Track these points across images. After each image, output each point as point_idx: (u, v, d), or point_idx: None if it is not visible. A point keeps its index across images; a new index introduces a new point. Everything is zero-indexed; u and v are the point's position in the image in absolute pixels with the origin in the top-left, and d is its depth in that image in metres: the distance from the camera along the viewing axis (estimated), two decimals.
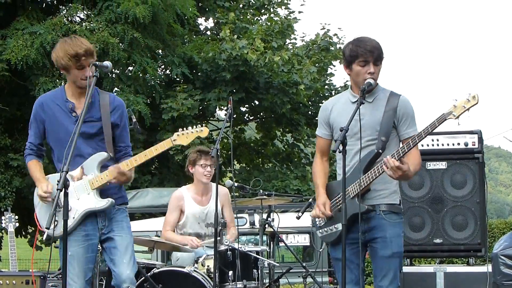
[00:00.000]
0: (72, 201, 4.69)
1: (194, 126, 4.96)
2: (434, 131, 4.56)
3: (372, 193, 4.76)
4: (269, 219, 7.15)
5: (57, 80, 15.02)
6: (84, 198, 4.79)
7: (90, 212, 4.78)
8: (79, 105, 4.84)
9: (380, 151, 4.70)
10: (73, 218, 4.75)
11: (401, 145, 4.67)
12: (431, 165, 7.11)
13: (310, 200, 7.63)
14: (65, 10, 16.09)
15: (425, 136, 4.56)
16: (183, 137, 4.92)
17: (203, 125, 20.18)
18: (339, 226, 4.79)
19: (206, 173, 6.87)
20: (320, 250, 8.30)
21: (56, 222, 4.65)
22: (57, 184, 4.21)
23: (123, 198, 5.02)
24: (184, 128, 4.96)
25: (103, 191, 4.84)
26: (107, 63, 4.71)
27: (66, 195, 4.26)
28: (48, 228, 4.10)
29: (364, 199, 4.75)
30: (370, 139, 4.76)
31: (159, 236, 7.07)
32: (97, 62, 4.69)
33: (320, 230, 5.01)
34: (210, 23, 20.21)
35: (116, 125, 4.89)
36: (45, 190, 4.76)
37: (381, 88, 4.89)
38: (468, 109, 4.34)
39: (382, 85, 4.92)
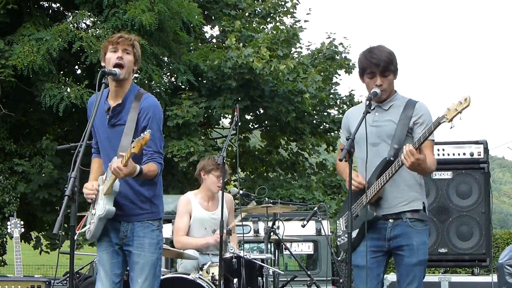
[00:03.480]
0: (96, 205, 4.77)
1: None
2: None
3: (393, 201, 4.77)
4: (274, 227, 7.16)
5: (63, 86, 15.06)
6: (100, 204, 4.75)
7: (100, 219, 4.71)
8: (113, 105, 4.82)
9: (392, 158, 4.73)
10: (93, 222, 4.75)
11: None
12: (436, 175, 7.11)
13: (315, 208, 7.66)
14: (71, 17, 16.10)
15: (424, 141, 4.57)
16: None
17: (208, 132, 20.15)
18: (354, 233, 4.83)
19: (220, 184, 6.84)
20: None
21: (88, 225, 4.76)
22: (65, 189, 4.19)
23: (154, 214, 4.83)
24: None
25: (123, 203, 4.75)
26: (115, 70, 4.70)
27: (74, 201, 4.23)
28: (56, 234, 4.09)
29: (382, 207, 4.78)
30: (385, 149, 4.79)
31: (164, 243, 7.06)
32: (105, 70, 4.66)
33: (339, 239, 5.07)
34: (216, 31, 20.26)
35: (143, 128, 4.66)
36: (89, 188, 4.77)
37: (399, 96, 4.93)
38: (460, 111, 4.36)
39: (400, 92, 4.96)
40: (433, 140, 4.83)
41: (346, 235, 4.85)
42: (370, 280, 4.78)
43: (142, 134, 4.32)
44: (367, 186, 4.74)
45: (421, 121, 4.78)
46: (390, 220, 4.79)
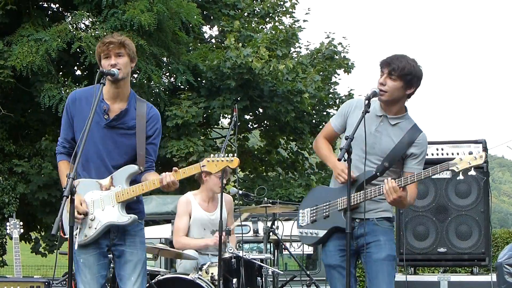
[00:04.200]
0: (97, 211, 4.70)
1: (226, 155, 4.72)
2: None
3: (364, 208, 4.79)
4: (273, 227, 7.16)
5: (62, 87, 15.06)
6: (108, 210, 4.70)
7: (112, 226, 4.70)
8: (114, 107, 4.79)
9: (378, 173, 4.76)
10: (95, 228, 4.69)
11: (404, 176, 4.71)
12: (435, 174, 7.11)
13: None
14: (70, 17, 16.12)
15: (425, 178, 4.71)
16: (213, 164, 4.70)
17: (207, 132, 20.13)
18: (320, 233, 4.91)
19: (221, 185, 6.84)
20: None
21: (78, 230, 4.66)
22: (64, 190, 4.14)
23: (141, 214, 4.91)
24: (215, 155, 4.73)
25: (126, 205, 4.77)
26: (114, 70, 4.68)
27: (72, 201, 4.22)
28: (55, 235, 4.06)
29: (354, 213, 4.79)
30: (374, 160, 4.79)
31: (163, 244, 7.07)
32: (104, 70, 4.63)
33: (301, 230, 5.06)
34: (215, 31, 20.27)
35: (148, 136, 4.78)
36: (80, 212, 4.63)
37: (408, 117, 4.91)
38: (472, 167, 4.45)
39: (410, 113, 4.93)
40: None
41: (312, 231, 4.94)
42: (343, 277, 4.77)
43: (228, 156, 4.66)
44: (350, 198, 4.70)
45: (418, 154, 4.82)
46: (357, 220, 4.81)
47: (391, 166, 4.77)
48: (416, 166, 4.80)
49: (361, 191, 4.74)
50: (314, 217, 4.98)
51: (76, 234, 4.62)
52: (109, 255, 4.88)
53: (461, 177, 4.57)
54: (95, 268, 4.77)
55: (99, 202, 4.71)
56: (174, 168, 4.69)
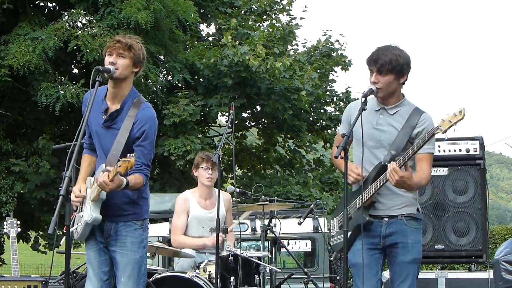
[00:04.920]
0: (84, 208, 4.81)
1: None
2: (436, 138, 4.62)
3: (387, 204, 4.78)
4: (270, 225, 7.17)
5: (59, 86, 15.04)
6: (87, 208, 4.78)
7: (87, 224, 4.75)
8: (111, 107, 4.85)
9: (387, 163, 4.71)
10: (80, 225, 4.80)
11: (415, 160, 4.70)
12: (432, 171, 7.11)
13: (312, 206, 7.67)
14: (67, 16, 16.06)
15: (418, 150, 4.60)
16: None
17: (205, 130, 20.12)
18: (348, 234, 4.83)
19: (208, 176, 6.89)
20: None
21: (77, 226, 4.78)
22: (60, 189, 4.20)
23: (137, 215, 4.89)
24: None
25: (107, 204, 4.76)
26: (109, 67, 4.70)
27: (69, 200, 4.25)
28: (51, 234, 4.09)
29: (377, 209, 4.78)
30: (384, 152, 4.78)
31: (161, 242, 7.07)
32: (100, 67, 4.69)
33: (332, 239, 5.07)
34: (212, 29, 20.24)
35: (136, 138, 4.78)
36: (76, 195, 4.75)
37: (407, 102, 4.90)
38: (454, 124, 4.43)
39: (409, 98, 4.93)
40: (432, 153, 4.82)
41: (340, 236, 4.88)
42: (369, 278, 4.78)
43: (129, 156, 4.42)
44: (363, 186, 4.73)
45: (422, 135, 4.73)
46: (385, 219, 4.80)
47: (398, 153, 4.71)
48: (426, 145, 4.66)
49: (373, 183, 4.73)
50: (341, 223, 4.97)
51: (74, 230, 4.81)
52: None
53: (446, 136, 4.48)
54: (95, 263, 4.87)
55: (87, 199, 4.80)
56: (107, 167, 4.63)
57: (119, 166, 4.39)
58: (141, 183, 4.78)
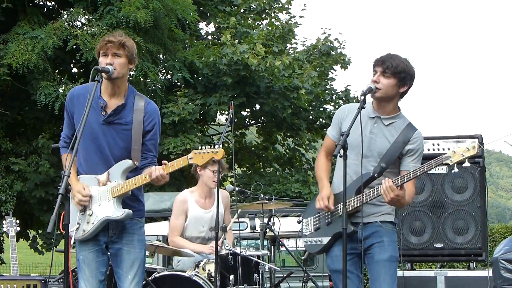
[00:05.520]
0: (94, 206, 4.74)
1: (210, 146, 4.74)
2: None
3: (366, 212, 4.78)
4: (270, 223, 7.16)
5: (58, 85, 15.05)
6: (104, 205, 4.74)
7: (108, 221, 4.73)
8: (111, 103, 4.82)
9: (376, 175, 4.75)
10: (92, 223, 4.73)
11: (401, 175, 4.69)
12: (432, 170, 7.11)
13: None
14: (66, 15, 16.08)
15: (421, 175, 4.68)
16: (199, 156, 4.71)
17: (204, 129, 20.12)
18: (324, 240, 4.89)
19: (215, 179, 6.81)
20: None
21: (77, 225, 4.71)
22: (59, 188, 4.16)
23: (141, 212, 4.92)
24: (202, 147, 4.76)
25: (123, 201, 4.77)
26: (108, 67, 4.70)
27: (67, 199, 4.24)
28: (50, 232, 4.07)
29: (356, 217, 4.79)
30: (372, 162, 4.79)
31: (160, 241, 7.06)
32: (98, 67, 4.68)
33: (305, 239, 5.05)
34: (211, 28, 20.27)
35: (147, 131, 4.81)
36: (84, 195, 4.72)
37: (402, 116, 4.91)
38: (465, 158, 4.45)
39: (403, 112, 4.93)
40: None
41: (317, 239, 4.92)
42: (351, 282, 4.79)
43: (213, 148, 4.65)
44: (345, 195, 4.68)
45: (414, 151, 4.80)
46: (360, 224, 4.78)
47: (388, 167, 4.76)
48: (413, 163, 4.77)
49: (360, 195, 4.74)
50: (317, 225, 4.98)
51: (73, 230, 4.68)
52: (108, 252, 4.90)
53: (455, 170, 4.57)
54: (93, 264, 4.81)
55: (97, 197, 4.75)
56: (163, 161, 4.71)
57: (191, 158, 4.61)
58: None
